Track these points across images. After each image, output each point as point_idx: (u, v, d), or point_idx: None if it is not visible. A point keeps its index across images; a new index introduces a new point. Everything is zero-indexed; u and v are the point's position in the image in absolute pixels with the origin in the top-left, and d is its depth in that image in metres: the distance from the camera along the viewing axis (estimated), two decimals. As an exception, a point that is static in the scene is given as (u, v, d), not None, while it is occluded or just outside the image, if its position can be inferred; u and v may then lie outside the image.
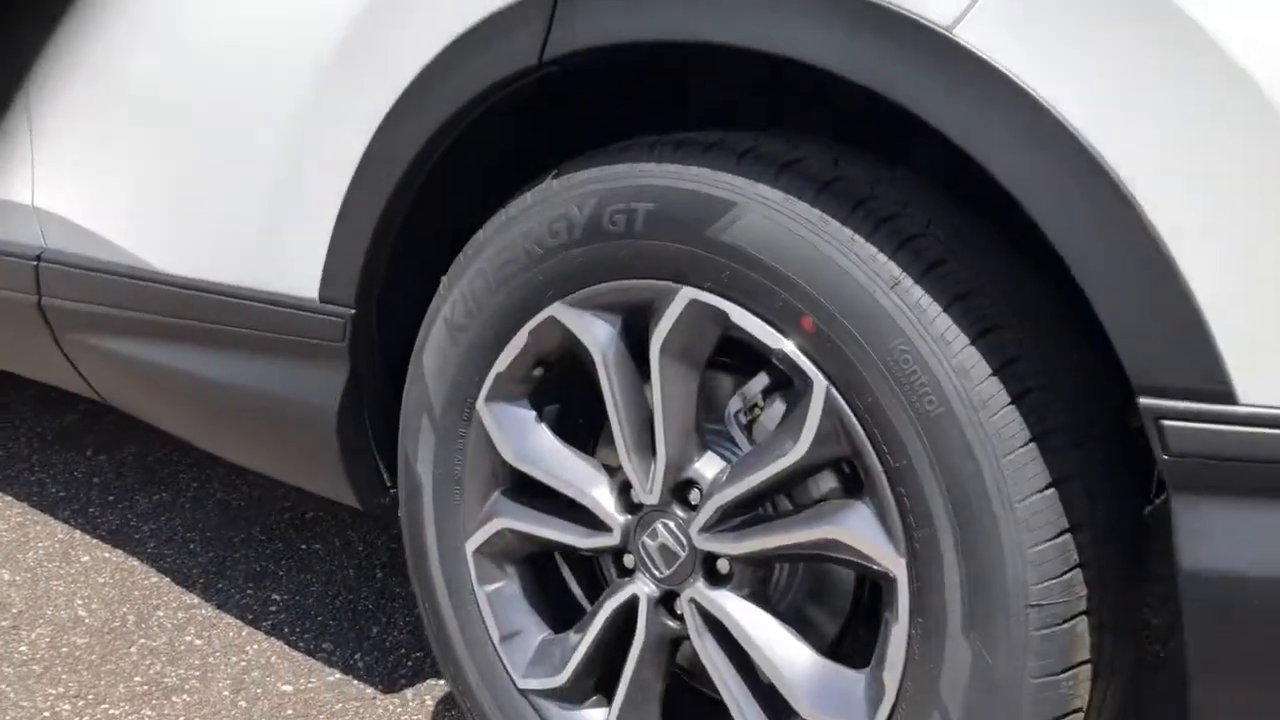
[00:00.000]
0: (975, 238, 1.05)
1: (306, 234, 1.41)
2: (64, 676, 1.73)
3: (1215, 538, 0.88)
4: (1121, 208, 0.86)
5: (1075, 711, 1.01)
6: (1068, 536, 0.98)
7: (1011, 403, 0.98)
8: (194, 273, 1.60)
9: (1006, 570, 0.98)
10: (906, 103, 0.94)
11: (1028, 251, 1.05)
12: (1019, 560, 0.97)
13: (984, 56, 0.90)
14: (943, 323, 0.99)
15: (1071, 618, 0.98)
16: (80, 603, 1.94)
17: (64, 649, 1.80)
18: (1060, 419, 0.99)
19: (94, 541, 2.15)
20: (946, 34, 0.91)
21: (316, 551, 2.12)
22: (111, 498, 2.33)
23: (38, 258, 1.84)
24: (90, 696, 1.68)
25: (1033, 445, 0.97)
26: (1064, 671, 0.99)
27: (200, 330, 1.62)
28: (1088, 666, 1.01)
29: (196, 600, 1.95)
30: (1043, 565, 0.97)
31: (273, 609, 1.93)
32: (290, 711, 1.65)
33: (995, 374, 0.98)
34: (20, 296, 1.86)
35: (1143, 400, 0.88)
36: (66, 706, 1.66)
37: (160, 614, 1.91)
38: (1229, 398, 0.85)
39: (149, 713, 1.65)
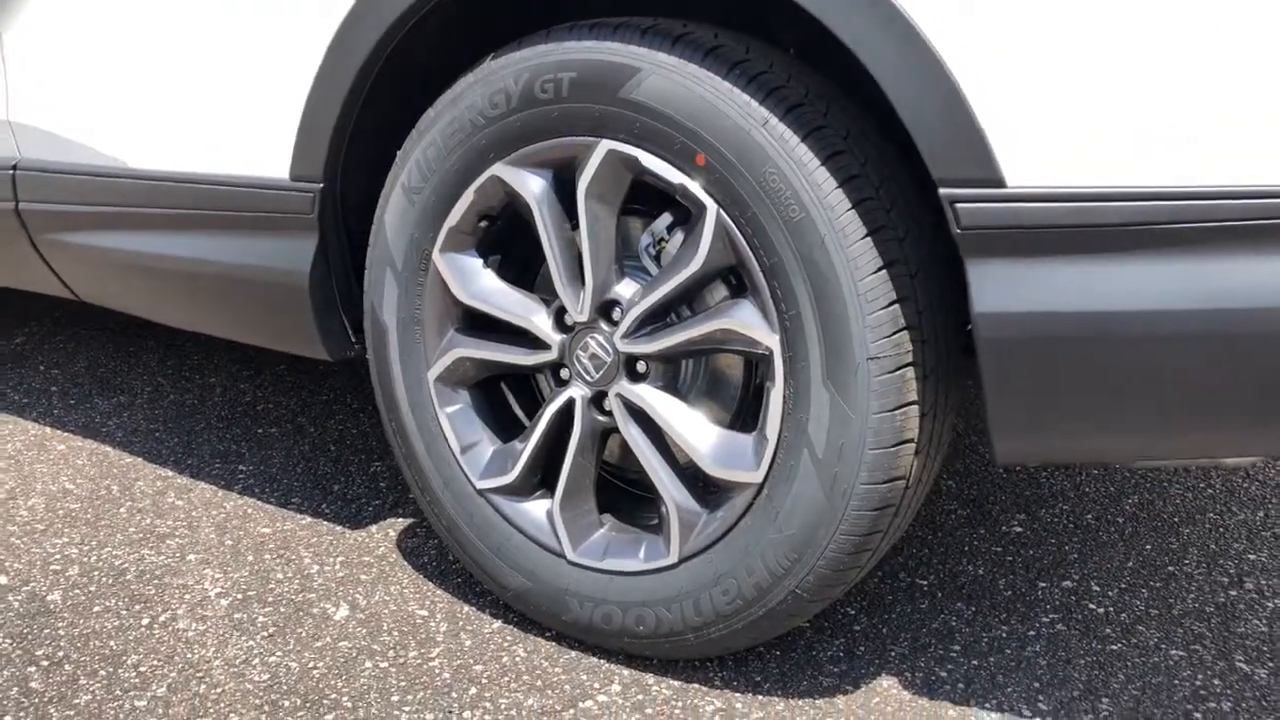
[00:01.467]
0: (824, 88, 1.37)
1: (278, 120, 1.67)
2: (66, 530, 1.97)
3: (995, 288, 1.22)
4: (919, 48, 1.19)
5: (907, 441, 1.35)
6: (896, 306, 1.31)
7: (852, 208, 1.31)
8: (171, 166, 1.84)
9: (852, 333, 1.31)
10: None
11: (863, 101, 1.38)
12: (861, 324, 1.31)
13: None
14: (801, 150, 1.31)
15: (900, 368, 1.32)
16: (65, 479, 2.17)
17: (60, 512, 2.03)
18: (888, 219, 1.32)
19: (65, 435, 2.37)
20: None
21: (273, 434, 2.38)
22: (72, 402, 2.54)
23: (14, 167, 2.05)
24: (93, 543, 1.93)
25: (869, 238, 1.30)
26: (897, 409, 1.33)
27: (177, 217, 1.86)
28: (915, 406, 1.35)
29: (171, 473, 2.19)
30: (878, 328, 1.31)
31: (241, 477, 2.18)
32: (272, 546, 1.92)
33: (840, 186, 1.31)
34: (-4, 204, 2.07)
35: (941, 190, 1.22)
36: (74, 551, 1.90)
37: (140, 484, 2.15)
38: (999, 182, 1.19)
39: (148, 552, 1.90)
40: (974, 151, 1.19)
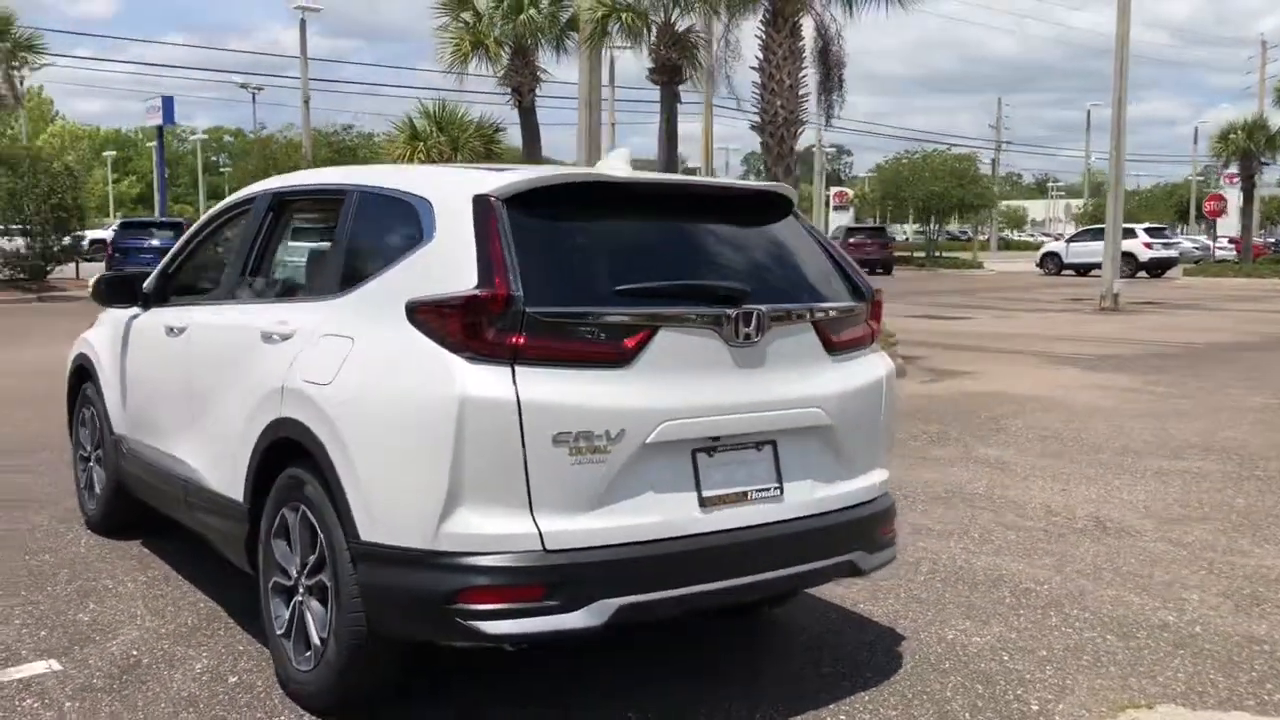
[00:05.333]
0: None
1: (242, 475, 4.77)
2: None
3: (368, 574, 4.00)
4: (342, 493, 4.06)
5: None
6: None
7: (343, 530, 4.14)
8: (214, 486, 5.02)
9: (342, 586, 4.12)
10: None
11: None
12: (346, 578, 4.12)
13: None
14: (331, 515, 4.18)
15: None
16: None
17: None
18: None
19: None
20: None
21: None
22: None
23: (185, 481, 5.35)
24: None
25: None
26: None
27: (211, 507, 5.04)
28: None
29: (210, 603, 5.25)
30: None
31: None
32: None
33: (340, 521, 4.16)
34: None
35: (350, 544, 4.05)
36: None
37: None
38: (358, 539, 4.00)
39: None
40: (354, 528, 4.02)
